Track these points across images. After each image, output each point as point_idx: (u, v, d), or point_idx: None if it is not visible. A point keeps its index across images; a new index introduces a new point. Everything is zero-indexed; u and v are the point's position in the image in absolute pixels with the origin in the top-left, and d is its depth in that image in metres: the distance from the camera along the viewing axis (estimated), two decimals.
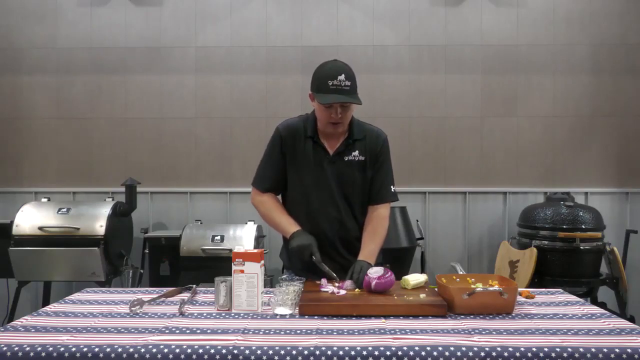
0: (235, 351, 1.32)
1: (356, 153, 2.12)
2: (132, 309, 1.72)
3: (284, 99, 4.06)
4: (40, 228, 3.40)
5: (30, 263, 3.39)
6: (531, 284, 3.32)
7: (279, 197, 2.24)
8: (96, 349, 1.33)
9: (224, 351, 1.32)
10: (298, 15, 4.06)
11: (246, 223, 3.61)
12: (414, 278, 1.90)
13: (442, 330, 1.49)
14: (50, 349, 1.34)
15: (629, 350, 1.33)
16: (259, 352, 1.32)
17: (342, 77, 1.97)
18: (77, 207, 3.52)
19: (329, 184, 2.10)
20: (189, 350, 1.32)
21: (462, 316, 1.65)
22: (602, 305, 3.46)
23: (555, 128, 4.08)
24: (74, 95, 4.10)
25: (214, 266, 3.23)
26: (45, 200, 3.63)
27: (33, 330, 1.52)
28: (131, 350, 1.33)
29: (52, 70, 4.09)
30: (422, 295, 1.76)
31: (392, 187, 2.18)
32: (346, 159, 2.11)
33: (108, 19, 4.07)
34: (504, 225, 4.06)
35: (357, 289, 1.86)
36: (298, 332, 1.48)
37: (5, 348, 1.35)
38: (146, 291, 2.02)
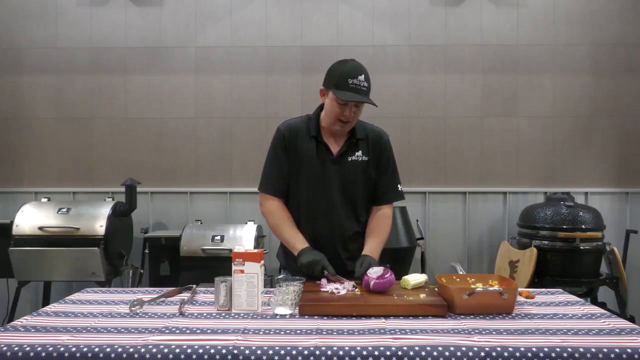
0: (235, 351, 1.32)
1: (359, 153, 2.12)
2: (132, 309, 1.72)
3: (284, 99, 4.06)
4: (40, 228, 3.40)
5: (30, 263, 3.39)
6: (531, 284, 3.32)
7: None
8: (96, 349, 1.33)
9: (224, 351, 1.32)
10: (298, 15, 4.06)
11: (246, 223, 3.61)
12: (414, 278, 1.89)
13: (442, 330, 1.49)
14: (50, 349, 1.34)
15: (629, 350, 1.33)
16: (259, 352, 1.32)
17: (362, 77, 1.99)
18: (77, 207, 3.52)
19: (332, 184, 2.09)
20: (189, 350, 1.32)
21: (462, 316, 1.65)
22: (602, 305, 3.46)
23: (555, 128, 4.08)
24: (74, 95, 4.10)
25: (214, 266, 3.23)
26: (45, 200, 3.63)
27: (33, 330, 1.52)
28: (131, 350, 1.33)
29: (52, 70, 4.09)
30: (422, 295, 1.76)
31: (398, 186, 2.20)
32: (350, 159, 2.11)
33: (108, 19, 4.07)
34: (504, 225, 4.06)
35: (356, 289, 1.86)
36: (298, 332, 1.48)
37: (5, 348, 1.35)
38: (146, 291, 2.02)
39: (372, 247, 2.07)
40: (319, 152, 2.11)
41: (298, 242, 2.05)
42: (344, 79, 1.98)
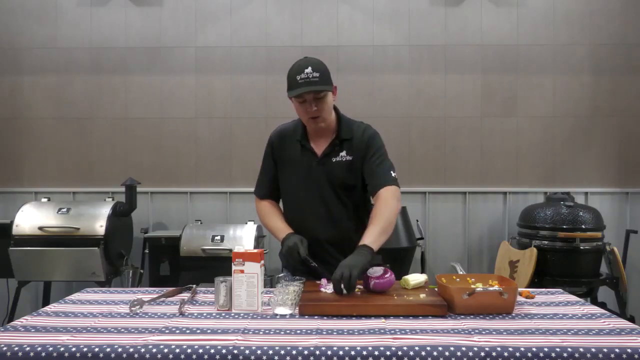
0: (235, 351, 1.32)
1: (343, 153, 2.10)
2: (132, 309, 1.72)
3: (284, 99, 3.97)
4: (40, 228, 3.40)
5: (30, 263, 3.39)
6: (531, 284, 3.32)
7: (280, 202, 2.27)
8: (96, 349, 1.33)
9: (224, 351, 1.32)
10: (298, 15, 4.06)
11: (246, 223, 3.61)
12: (414, 278, 1.89)
13: (442, 330, 1.49)
14: (50, 349, 1.34)
15: (629, 350, 1.33)
16: (259, 352, 1.32)
17: (308, 69, 1.97)
18: (77, 207, 3.52)
19: (320, 186, 2.10)
20: (189, 350, 1.32)
21: (462, 316, 1.65)
22: (602, 305, 3.46)
23: (555, 128, 4.08)
24: (74, 95, 4.10)
25: (214, 266, 3.24)
26: (45, 200, 3.63)
27: (33, 330, 1.52)
28: (131, 350, 1.33)
29: (52, 70, 4.09)
30: (422, 295, 1.76)
31: (392, 172, 2.09)
32: (334, 160, 2.10)
33: (108, 19, 4.07)
34: (504, 225, 4.06)
35: (356, 290, 1.85)
36: (298, 332, 1.48)
37: (5, 348, 1.35)
38: (146, 291, 2.02)
39: (369, 234, 1.94)
40: (304, 155, 2.12)
41: (280, 231, 2.10)
42: (293, 77, 2.00)
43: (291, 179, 2.15)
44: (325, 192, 2.10)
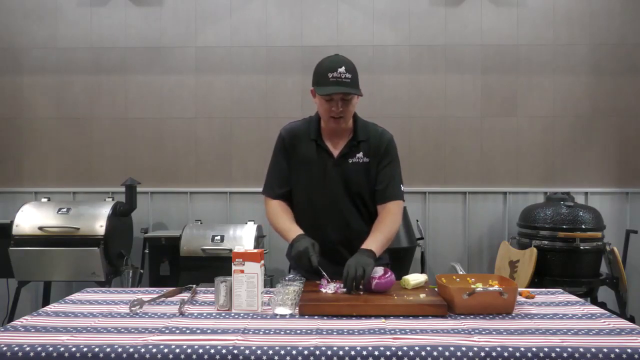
0: (235, 351, 1.32)
1: (360, 155, 2.09)
2: (132, 309, 1.72)
3: (284, 99, 4.06)
4: (40, 228, 3.40)
5: (30, 263, 3.39)
6: (531, 284, 3.32)
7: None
8: (96, 349, 1.33)
9: (224, 351, 1.32)
10: (298, 15, 4.06)
11: (246, 223, 3.61)
12: (414, 278, 1.90)
13: (442, 330, 1.49)
14: (50, 349, 1.34)
15: (629, 350, 1.33)
16: (259, 352, 1.32)
17: (342, 69, 1.95)
18: (77, 207, 3.52)
19: (334, 187, 2.08)
20: (189, 350, 1.32)
21: (462, 316, 1.65)
22: (602, 305, 3.46)
23: (555, 128, 4.08)
24: (74, 95, 4.10)
25: (214, 266, 3.24)
26: (45, 200, 3.63)
27: (33, 330, 1.52)
28: (131, 350, 1.33)
29: (52, 70, 4.09)
30: (422, 295, 1.76)
31: (401, 186, 2.14)
32: (350, 161, 2.09)
33: (108, 19, 4.07)
34: (504, 225, 4.06)
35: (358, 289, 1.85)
36: (298, 332, 1.48)
37: (5, 348, 1.35)
38: (146, 291, 2.02)
39: (372, 239, 1.99)
40: (319, 155, 2.09)
41: (290, 233, 2.03)
42: (324, 74, 1.97)
43: (304, 178, 2.11)
44: (340, 193, 2.08)
